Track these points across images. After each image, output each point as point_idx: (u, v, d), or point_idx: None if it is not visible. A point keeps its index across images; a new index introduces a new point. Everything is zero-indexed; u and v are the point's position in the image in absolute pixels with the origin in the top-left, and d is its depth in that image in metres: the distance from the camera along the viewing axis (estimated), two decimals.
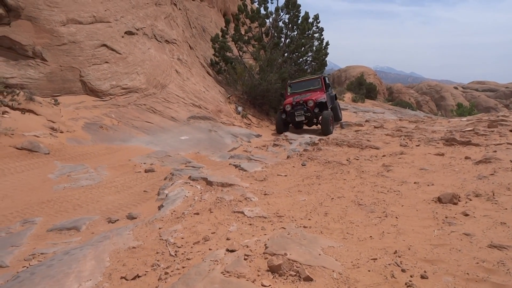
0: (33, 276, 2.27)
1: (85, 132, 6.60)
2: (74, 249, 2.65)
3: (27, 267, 2.49)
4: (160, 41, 11.44)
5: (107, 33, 8.87)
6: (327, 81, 13.30)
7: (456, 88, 51.50)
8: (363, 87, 34.26)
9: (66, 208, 3.74)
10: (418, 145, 6.02)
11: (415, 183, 3.87)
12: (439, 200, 3.16)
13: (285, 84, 13.97)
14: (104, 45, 8.63)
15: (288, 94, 12.93)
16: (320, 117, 11.44)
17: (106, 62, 8.54)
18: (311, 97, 11.71)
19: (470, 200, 3.15)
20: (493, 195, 3.19)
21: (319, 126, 12.16)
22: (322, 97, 11.95)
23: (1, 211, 3.53)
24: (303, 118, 11.64)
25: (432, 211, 2.96)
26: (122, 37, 9.46)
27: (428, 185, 3.73)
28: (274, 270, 2.04)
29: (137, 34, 10.23)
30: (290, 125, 12.64)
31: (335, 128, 13.15)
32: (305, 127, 13.14)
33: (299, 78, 14.32)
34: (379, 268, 2.04)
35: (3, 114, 5.61)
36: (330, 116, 11.22)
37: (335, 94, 14.43)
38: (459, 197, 3.19)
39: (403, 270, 2.01)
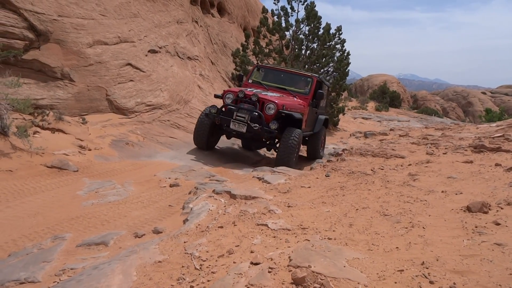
0: None
1: (112, 149, 6.78)
2: (103, 264, 2.71)
3: (58, 282, 2.56)
4: (182, 58, 11.69)
5: (132, 53, 9.15)
6: (323, 91, 7.96)
7: (484, 93, 50.06)
8: (387, 96, 33.92)
9: (95, 223, 3.84)
10: (445, 153, 5.87)
11: (442, 192, 3.77)
12: (468, 209, 3.07)
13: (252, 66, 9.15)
14: (129, 64, 8.90)
15: (249, 82, 8.08)
16: (285, 135, 6.67)
17: (131, 81, 8.80)
18: (274, 99, 6.77)
19: (502, 208, 3.04)
20: None
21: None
22: (296, 107, 7.19)
23: (33, 228, 3.66)
24: (243, 131, 6.66)
25: (461, 220, 2.88)
26: (146, 55, 9.74)
27: (456, 194, 3.62)
28: (298, 282, 2.03)
29: (160, 52, 10.51)
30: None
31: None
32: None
33: (281, 67, 10.07)
34: (406, 280, 1.99)
35: (34, 134, 5.84)
36: (297, 139, 6.64)
37: (327, 118, 9.34)
38: (490, 205, 3.09)
39: (431, 282, 1.95)
